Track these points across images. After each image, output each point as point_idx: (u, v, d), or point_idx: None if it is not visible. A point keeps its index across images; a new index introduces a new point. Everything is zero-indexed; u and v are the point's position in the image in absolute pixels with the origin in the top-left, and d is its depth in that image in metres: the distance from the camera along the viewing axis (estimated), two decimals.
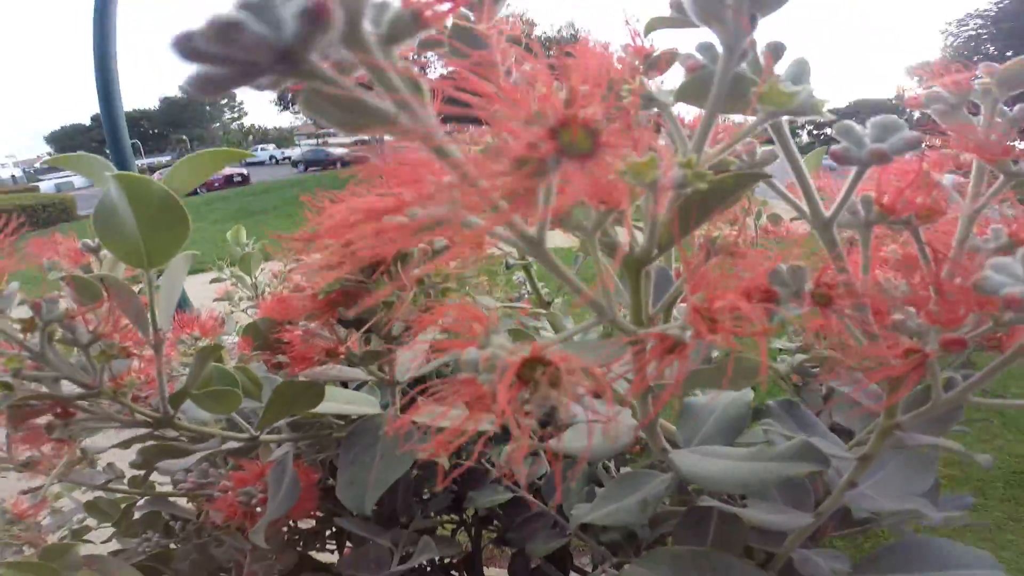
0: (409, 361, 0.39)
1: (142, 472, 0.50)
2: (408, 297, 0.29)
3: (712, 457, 0.25)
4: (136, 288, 0.31)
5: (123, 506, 0.52)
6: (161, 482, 0.55)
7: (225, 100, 39.59)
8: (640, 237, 0.20)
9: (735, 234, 0.22)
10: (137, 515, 0.52)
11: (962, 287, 0.19)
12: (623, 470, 0.51)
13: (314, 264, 0.29)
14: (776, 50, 0.21)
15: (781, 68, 0.21)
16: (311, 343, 0.36)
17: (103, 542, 0.53)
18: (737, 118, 0.22)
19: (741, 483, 0.23)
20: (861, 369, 0.21)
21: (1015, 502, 1.69)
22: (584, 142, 0.11)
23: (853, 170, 0.20)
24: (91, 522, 0.54)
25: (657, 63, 0.27)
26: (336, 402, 0.40)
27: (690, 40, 0.22)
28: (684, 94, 0.21)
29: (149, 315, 0.30)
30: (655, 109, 0.24)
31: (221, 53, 0.09)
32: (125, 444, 0.35)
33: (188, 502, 0.54)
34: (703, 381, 0.23)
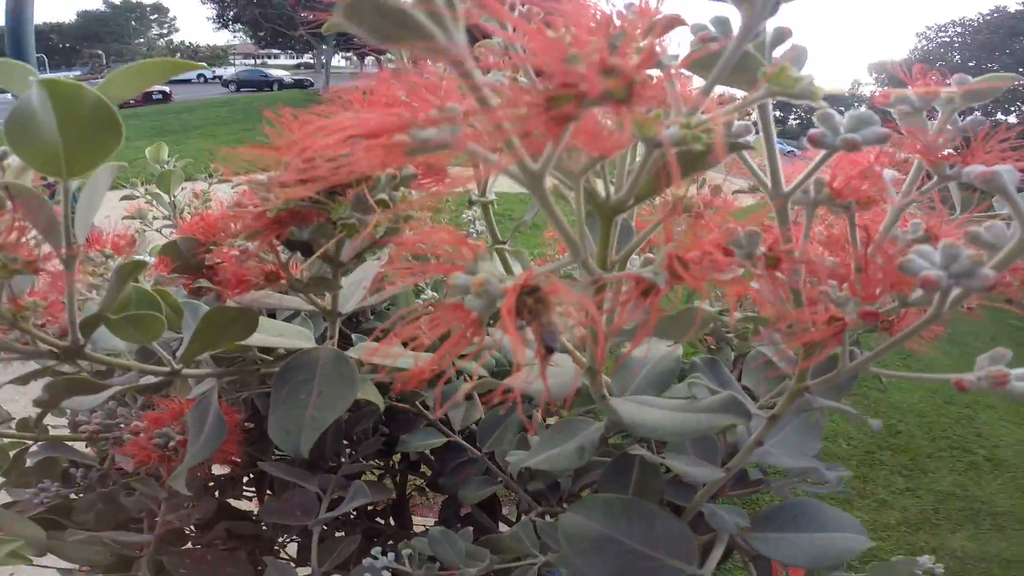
0: (352, 291, 0.37)
1: (34, 415, 0.45)
2: (371, 220, 0.28)
3: (648, 406, 0.27)
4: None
5: (12, 453, 0.47)
6: (55, 425, 0.50)
7: (155, 15, 35.18)
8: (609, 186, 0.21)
9: (702, 197, 0.24)
10: (30, 463, 0.47)
11: (883, 267, 0.21)
12: (548, 420, 0.53)
13: (269, 180, 0.27)
14: (781, 36, 0.22)
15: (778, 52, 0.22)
16: (247, 265, 0.33)
17: None
18: (717, 88, 0.22)
19: (676, 431, 0.25)
20: (787, 333, 0.24)
21: (864, 480, 1.94)
22: (623, 90, 0.11)
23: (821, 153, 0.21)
24: None
25: (658, 27, 0.27)
26: (266, 334, 0.37)
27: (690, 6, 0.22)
28: (691, 61, 0.21)
29: (63, 227, 0.27)
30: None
31: None
32: (23, 380, 0.31)
33: (87, 447, 0.49)
34: (666, 329, 0.25)
